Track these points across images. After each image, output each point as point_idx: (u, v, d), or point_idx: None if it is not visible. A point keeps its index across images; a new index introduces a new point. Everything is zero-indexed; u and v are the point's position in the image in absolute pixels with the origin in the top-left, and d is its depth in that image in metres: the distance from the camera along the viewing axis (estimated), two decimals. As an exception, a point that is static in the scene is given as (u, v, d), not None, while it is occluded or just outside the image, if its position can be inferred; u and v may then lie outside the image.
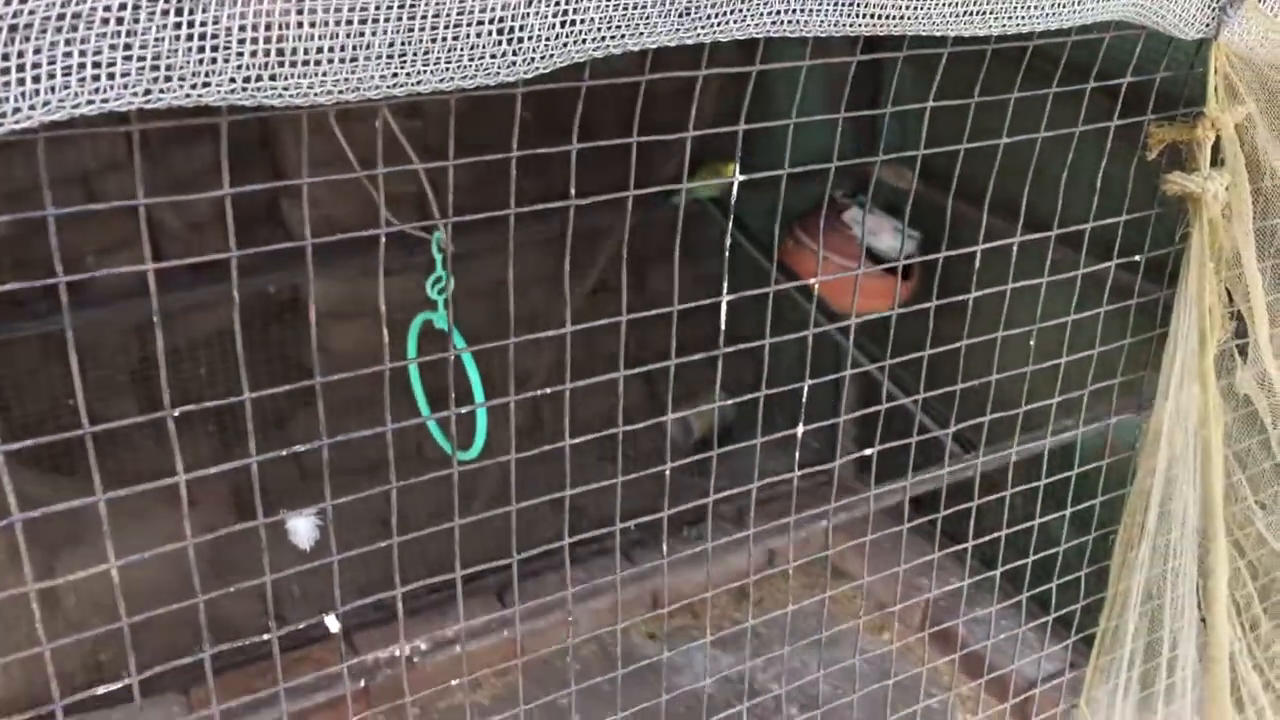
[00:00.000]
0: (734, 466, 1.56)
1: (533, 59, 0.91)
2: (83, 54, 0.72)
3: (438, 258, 1.27)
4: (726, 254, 1.34)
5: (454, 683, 1.43)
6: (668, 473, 1.41)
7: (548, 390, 1.27)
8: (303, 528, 1.28)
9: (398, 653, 1.38)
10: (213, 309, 2.87)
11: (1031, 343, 1.73)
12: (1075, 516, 1.99)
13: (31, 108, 0.72)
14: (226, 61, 0.77)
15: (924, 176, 1.99)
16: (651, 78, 1.10)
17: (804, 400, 1.52)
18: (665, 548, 1.50)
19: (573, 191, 1.15)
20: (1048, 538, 1.96)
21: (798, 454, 1.56)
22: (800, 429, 1.53)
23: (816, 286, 2.73)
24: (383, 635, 1.66)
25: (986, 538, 1.87)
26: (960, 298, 1.62)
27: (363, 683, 1.46)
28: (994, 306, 1.65)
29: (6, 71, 0.70)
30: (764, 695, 2.71)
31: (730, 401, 1.63)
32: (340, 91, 0.83)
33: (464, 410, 1.21)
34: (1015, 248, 1.64)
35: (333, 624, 1.23)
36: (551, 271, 1.21)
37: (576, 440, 1.27)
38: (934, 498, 1.85)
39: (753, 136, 1.29)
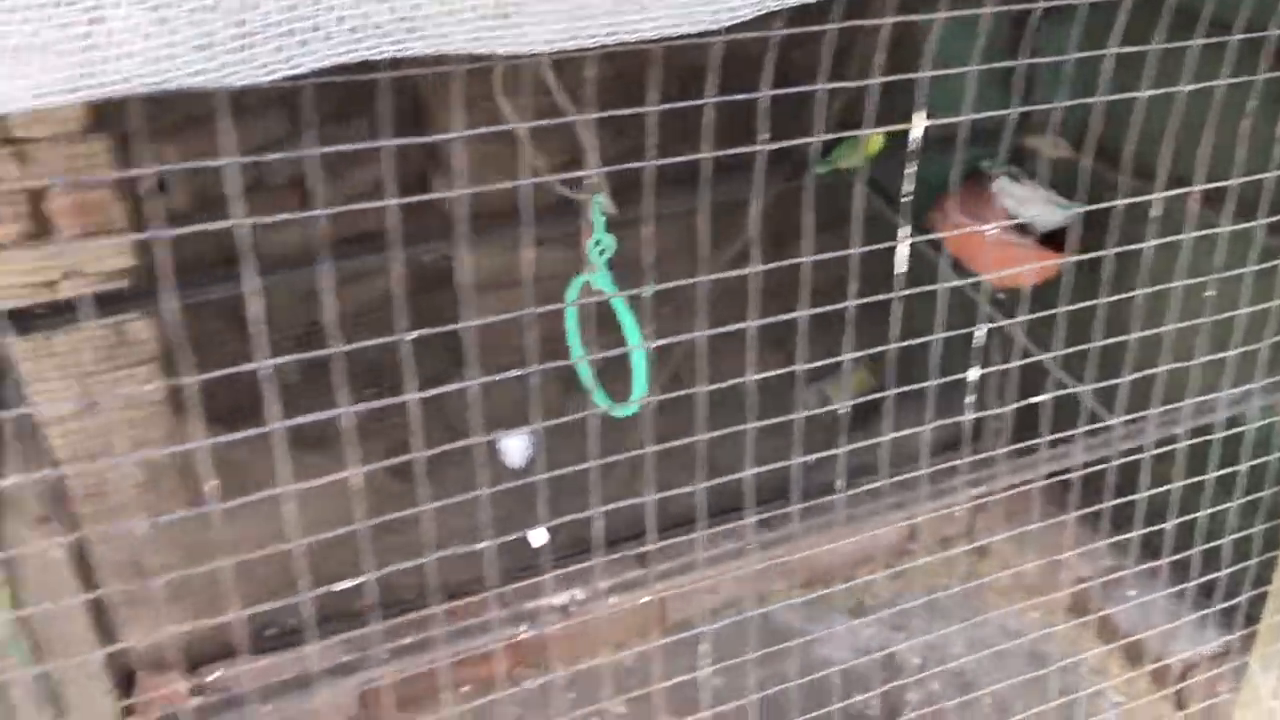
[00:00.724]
0: (871, 437, 1.54)
1: (736, 6, 0.92)
2: (344, 6, 0.78)
3: (599, 220, 1.30)
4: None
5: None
6: (798, 439, 1.41)
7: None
8: (515, 446, 1.33)
9: (556, 601, 1.42)
10: (370, 278, 2.99)
11: (1198, 320, 1.66)
12: (1242, 500, 1.91)
13: (304, 57, 0.77)
14: (465, 14, 0.82)
15: (1081, 146, 1.92)
16: (813, 30, 1.09)
17: (952, 375, 1.50)
18: (801, 518, 1.51)
19: (766, 136, 1.14)
20: (1211, 522, 1.89)
21: (929, 419, 1.53)
22: (966, 418, 1.51)
23: (947, 246, 2.66)
24: (529, 592, 1.70)
25: (1149, 526, 1.81)
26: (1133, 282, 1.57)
27: (524, 627, 1.50)
28: (1158, 279, 1.59)
29: (291, 23, 0.75)
30: (905, 668, 2.68)
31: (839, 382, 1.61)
32: (562, 41, 0.86)
33: (618, 352, 1.23)
34: (1187, 219, 1.58)
35: (537, 538, 1.27)
36: (695, 241, 1.22)
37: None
38: (1092, 478, 1.80)
39: (904, 106, 1.27)
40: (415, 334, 1.06)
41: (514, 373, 1.09)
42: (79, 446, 3.03)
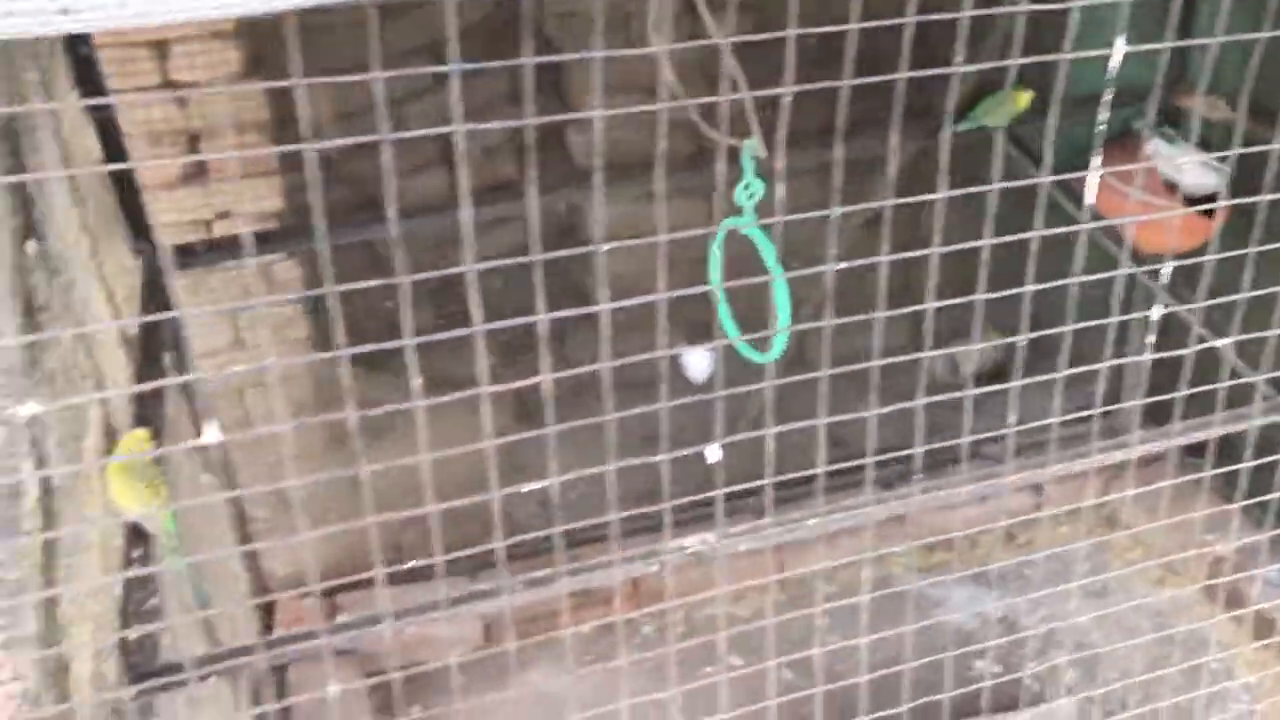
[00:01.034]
0: (1005, 407, 1.52)
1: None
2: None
3: (748, 165, 1.30)
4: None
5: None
6: (920, 410, 1.40)
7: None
8: (697, 361, 1.36)
9: (687, 543, 1.45)
10: (502, 227, 3.05)
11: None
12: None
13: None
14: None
15: (1238, 105, 1.84)
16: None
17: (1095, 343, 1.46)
18: (924, 478, 1.50)
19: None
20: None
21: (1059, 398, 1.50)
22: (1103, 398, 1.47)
23: (1096, 207, 2.57)
24: (648, 542, 1.74)
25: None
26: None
27: (657, 565, 1.54)
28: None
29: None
30: (1026, 634, 2.65)
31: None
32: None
33: (757, 281, 1.23)
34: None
35: (712, 454, 1.30)
36: (827, 199, 1.21)
37: (836, 371, 1.28)
38: (1228, 450, 1.74)
39: (1048, 60, 1.24)
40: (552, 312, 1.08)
41: (649, 298, 1.11)
42: (228, 380, 3.19)
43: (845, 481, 1.53)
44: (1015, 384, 1.42)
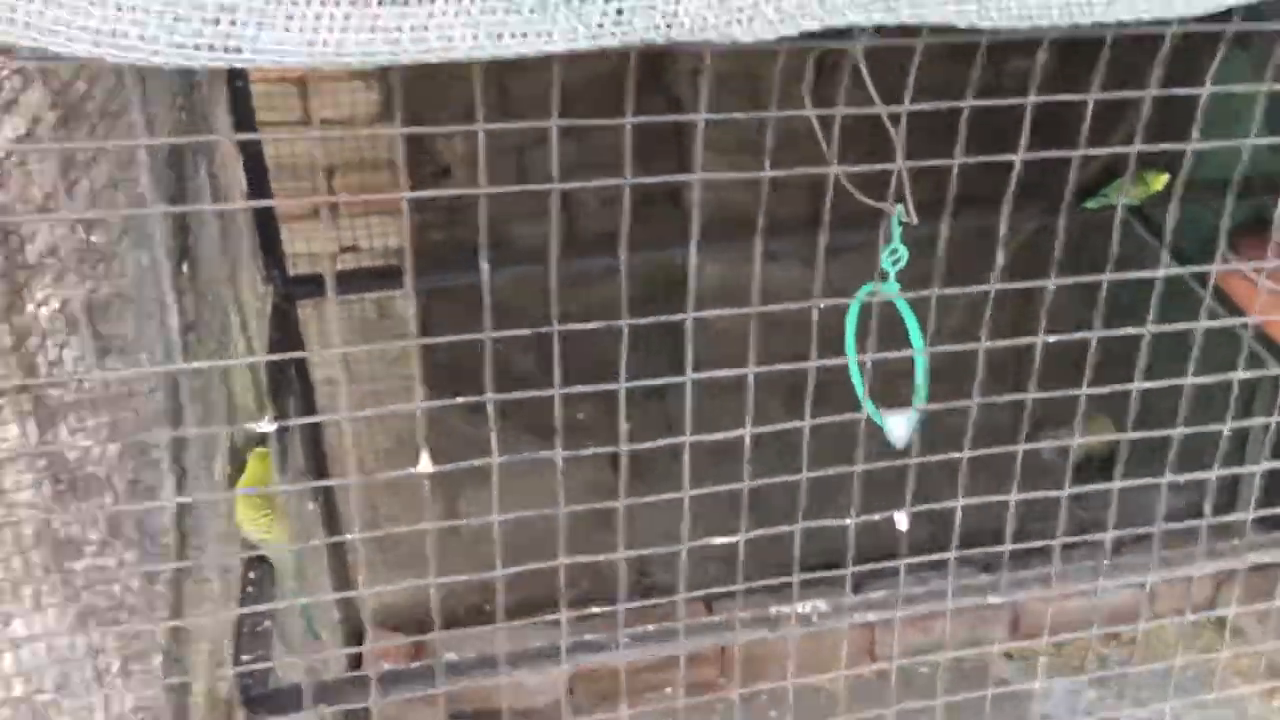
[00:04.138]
0: (1114, 499, 1.47)
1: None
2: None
3: (896, 231, 1.30)
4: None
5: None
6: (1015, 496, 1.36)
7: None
8: (897, 424, 1.35)
9: (783, 610, 1.43)
10: (614, 277, 3.08)
11: None
12: None
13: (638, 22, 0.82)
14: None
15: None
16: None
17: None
18: (1014, 568, 1.45)
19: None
20: None
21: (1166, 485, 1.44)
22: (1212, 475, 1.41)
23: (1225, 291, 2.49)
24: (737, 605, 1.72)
25: None
26: None
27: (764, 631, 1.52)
28: None
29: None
30: (1126, 741, 2.53)
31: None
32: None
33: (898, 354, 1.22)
34: None
35: (902, 522, 1.29)
36: (947, 270, 1.20)
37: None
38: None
39: (1181, 140, 1.21)
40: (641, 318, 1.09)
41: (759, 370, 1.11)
42: (334, 409, 3.27)
43: (941, 561, 1.49)
44: (1117, 484, 1.37)
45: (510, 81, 3.47)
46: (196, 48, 0.76)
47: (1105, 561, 1.47)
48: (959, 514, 1.34)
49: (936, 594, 1.49)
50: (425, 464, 1.01)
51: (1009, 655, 3.01)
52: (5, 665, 0.99)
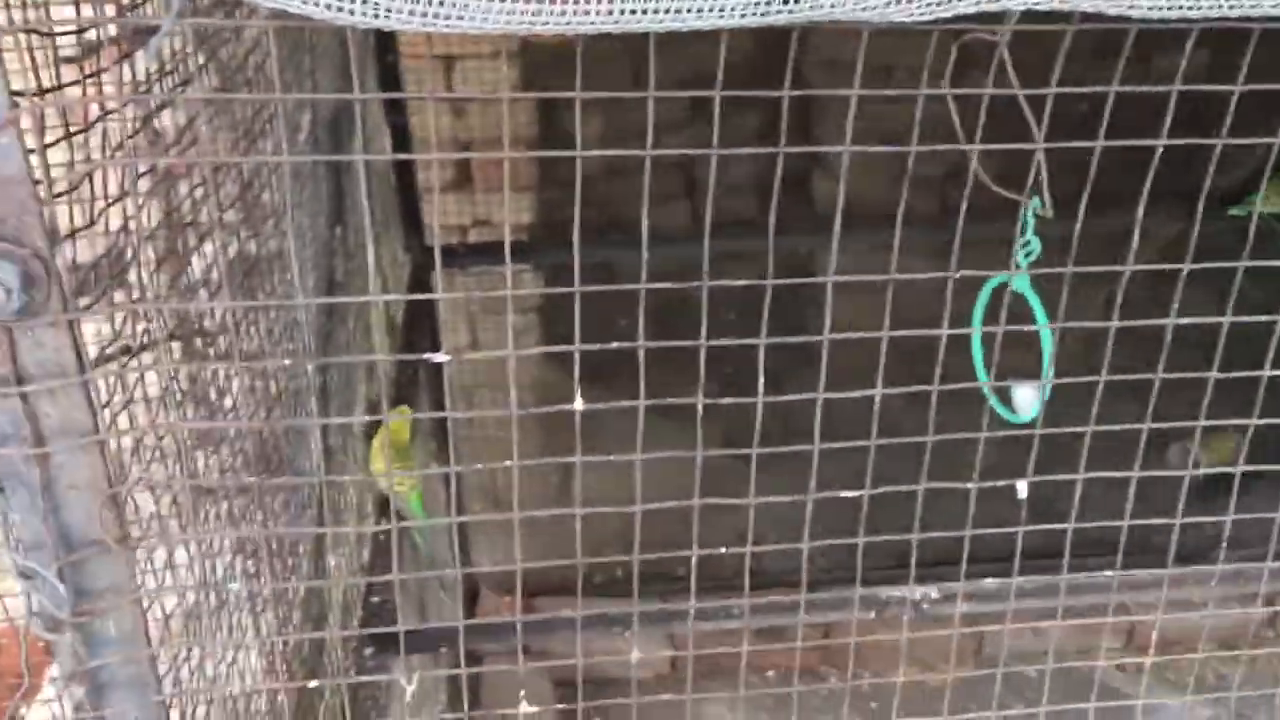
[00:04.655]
0: (1239, 508, 1.43)
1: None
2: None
3: (1030, 222, 1.29)
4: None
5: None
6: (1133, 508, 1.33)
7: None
8: (1024, 396, 1.36)
9: (894, 594, 1.44)
10: (736, 262, 3.10)
11: None
12: None
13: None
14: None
15: None
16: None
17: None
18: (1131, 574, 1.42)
19: None
20: None
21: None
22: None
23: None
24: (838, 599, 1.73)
25: None
26: None
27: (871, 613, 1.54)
28: None
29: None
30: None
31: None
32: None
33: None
34: None
35: (1022, 489, 1.31)
36: (1080, 269, 1.19)
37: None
38: None
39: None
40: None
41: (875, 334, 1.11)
42: (464, 379, 3.37)
43: (1042, 562, 1.49)
44: (1232, 513, 1.34)
45: (642, 65, 3.50)
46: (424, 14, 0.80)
47: (1219, 566, 1.44)
48: (1076, 501, 1.32)
49: (1049, 589, 1.48)
50: (579, 402, 1.07)
51: (1120, 669, 2.94)
52: (161, 598, 1.07)
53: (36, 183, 0.72)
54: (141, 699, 0.86)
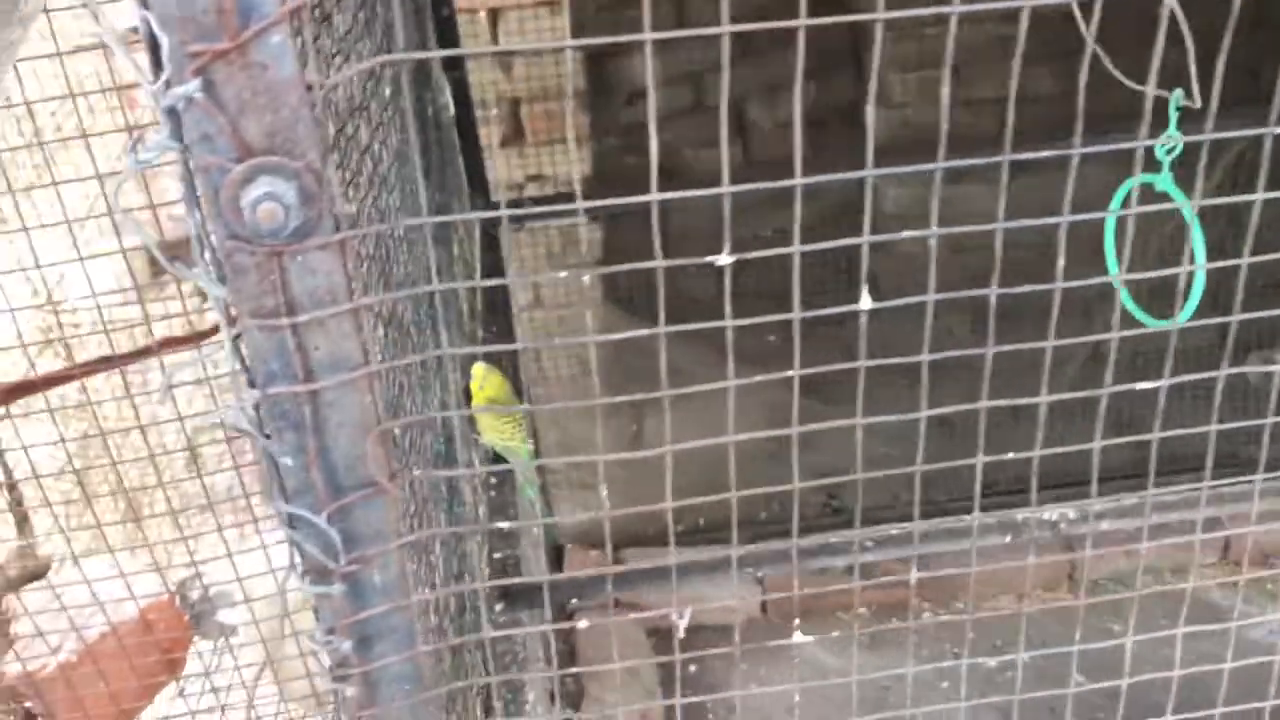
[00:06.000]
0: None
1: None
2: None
3: (1174, 116, 1.23)
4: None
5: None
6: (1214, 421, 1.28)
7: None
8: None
9: (1047, 515, 1.40)
10: (788, 202, 3.06)
11: None
12: None
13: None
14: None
15: None
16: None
17: None
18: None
19: None
20: None
21: None
22: None
23: None
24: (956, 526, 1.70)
25: None
26: None
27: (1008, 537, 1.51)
28: None
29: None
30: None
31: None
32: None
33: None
34: None
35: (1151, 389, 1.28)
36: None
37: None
38: None
39: None
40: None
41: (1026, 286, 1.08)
42: (527, 333, 3.37)
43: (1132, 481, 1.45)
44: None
45: (691, 9, 3.44)
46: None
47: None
48: (1159, 412, 1.28)
49: (1136, 509, 1.43)
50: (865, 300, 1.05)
51: (1221, 584, 2.88)
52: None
53: (308, 88, 0.63)
54: (407, 649, 0.78)
